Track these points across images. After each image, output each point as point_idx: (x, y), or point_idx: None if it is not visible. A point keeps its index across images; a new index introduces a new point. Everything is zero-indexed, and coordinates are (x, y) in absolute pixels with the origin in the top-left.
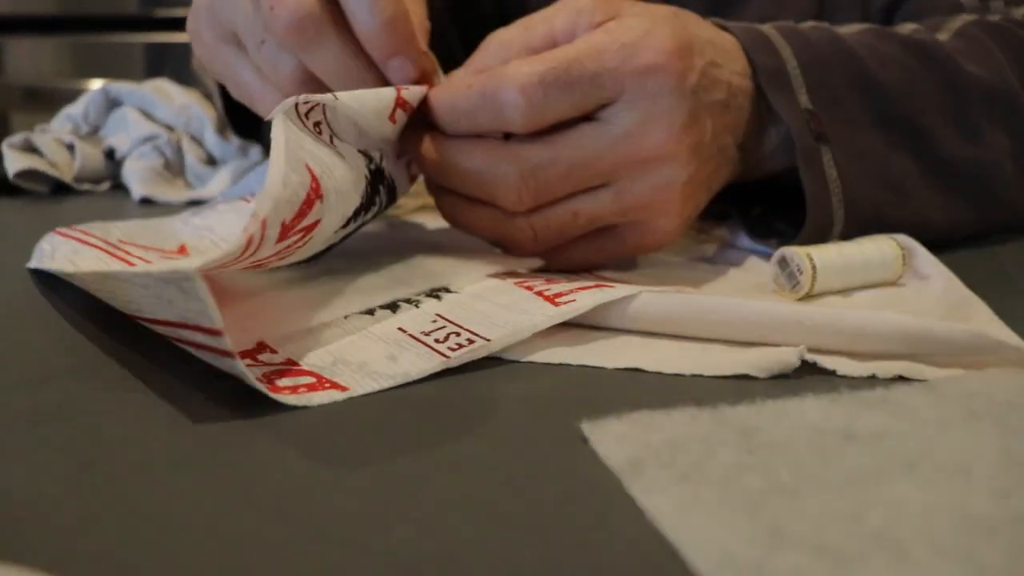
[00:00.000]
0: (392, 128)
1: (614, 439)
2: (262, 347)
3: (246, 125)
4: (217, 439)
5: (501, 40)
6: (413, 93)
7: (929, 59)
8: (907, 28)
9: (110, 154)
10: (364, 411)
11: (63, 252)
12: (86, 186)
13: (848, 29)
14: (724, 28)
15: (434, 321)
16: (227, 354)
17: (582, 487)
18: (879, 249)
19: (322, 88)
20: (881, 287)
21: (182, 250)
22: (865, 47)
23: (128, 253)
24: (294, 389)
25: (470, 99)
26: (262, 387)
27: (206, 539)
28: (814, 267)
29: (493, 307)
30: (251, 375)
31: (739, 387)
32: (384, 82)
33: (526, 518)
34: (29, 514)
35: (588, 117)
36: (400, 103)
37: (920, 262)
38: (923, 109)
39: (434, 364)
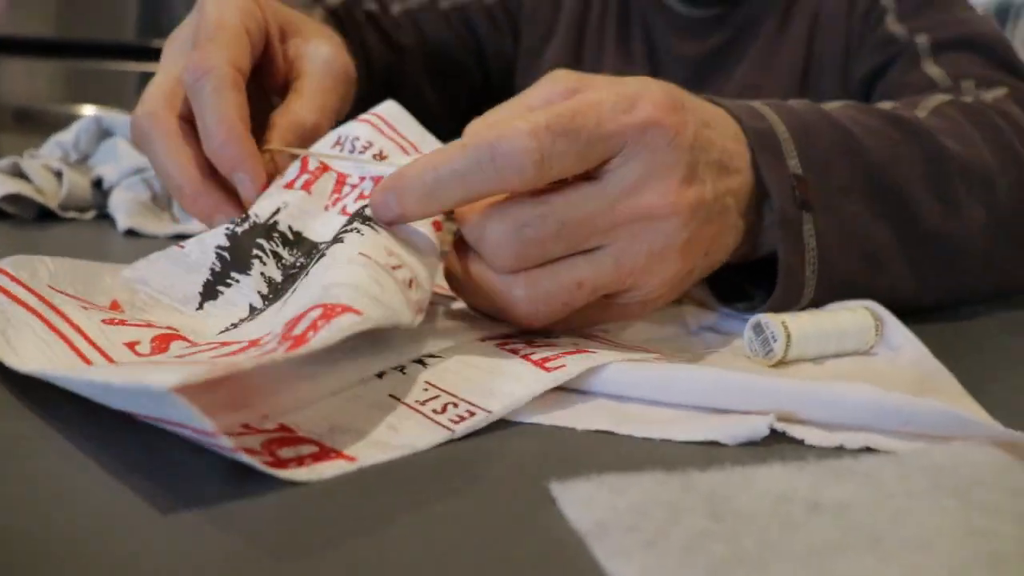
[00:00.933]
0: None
1: (581, 501)
2: (269, 422)
3: None
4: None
5: (487, 119)
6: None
7: (910, 132)
8: (887, 105)
9: (98, 183)
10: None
11: None
12: (71, 214)
13: (831, 105)
14: (709, 100)
15: (425, 390)
16: (227, 448)
17: (551, 547)
18: (853, 319)
19: None
20: (853, 356)
21: (114, 306)
22: (849, 119)
23: (64, 317)
24: (300, 461)
25: (464, 158)
26: (270, 470)
27: None
28: (788, 335)
29: (482, 374)
30: (257, 462)
31: (708, 453)
32: (205, 193)
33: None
34: None
35: (585, 176)
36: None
37: (891, 332)
38: (908, 179)
39: (439, 437)
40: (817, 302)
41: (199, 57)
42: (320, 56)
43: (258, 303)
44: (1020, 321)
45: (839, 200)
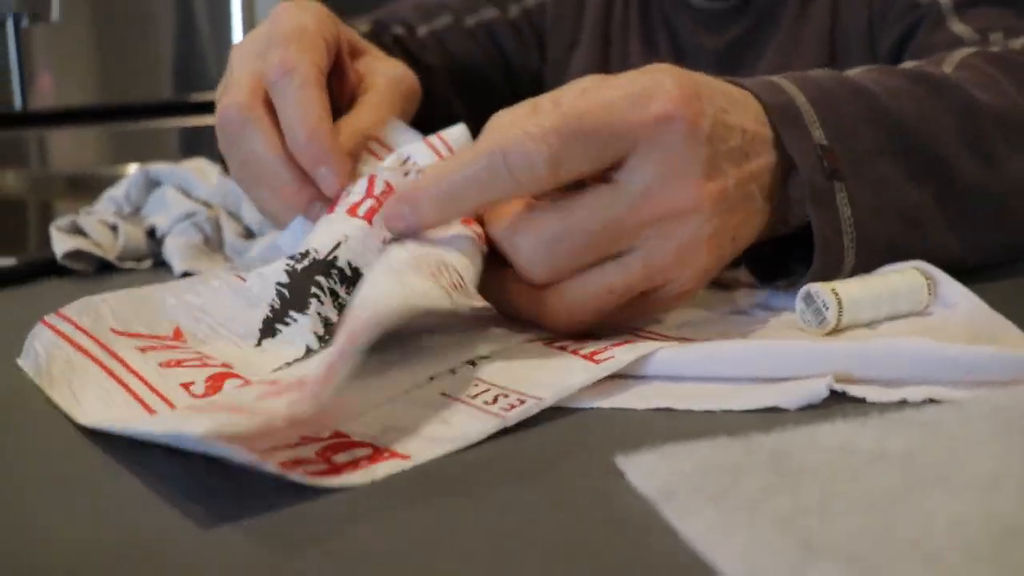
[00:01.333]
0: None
1: (647, 470)
2: (339, 436)
3: None
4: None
5: (505, 117)
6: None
7: (937, 87)
8: (911, 64)
9: (152, 232)
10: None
11: (58, 364)
12: (129, 264)
13: (853, 71)
14: (730, 82)
15: (475, 385)
16: (275, 472)
17: (623, 514)
18: (904, 279)
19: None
20: (907, 317)
21: (177, 334)
22: (872, 82)
23: (124, 364)
24: (355, 465)
25: (477, 164)
26: (323, 481)
27: None
28: (840, 302)
29: (531, 369)
30: (307, 476)
31: (769, 419)
32: (303, 184)
33: (573, 546)
34: None
35: (603, 179)
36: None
37: (945, 289)
38: (938, 135)
39: (492, 425)
40: (859, 269)
41: (282, 55)
42: (391, 73)
43: (314, 344)
44: None
45: (869, 164)
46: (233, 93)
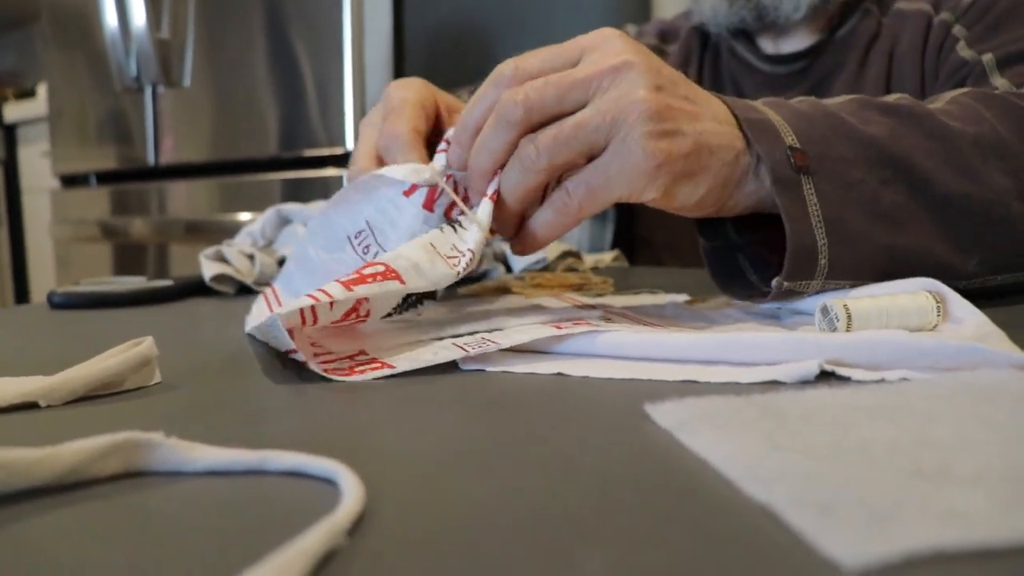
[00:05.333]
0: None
1: (668, 412)
2: (362, 352)
3: None
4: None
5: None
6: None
7: (909, 116)
8: (892, 97)
9: (282, 262)
10: (483, 394)
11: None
12: (263, 287)
13: (832, 100)
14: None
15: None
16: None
17: (646, 439)
18: (913, 300)
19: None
20: (916, 332)
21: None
22: (846, 111)
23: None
24: (362, 372)
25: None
26: (333, 376)
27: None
28: (848, 314)
29: (524, 335)
30: (321, 368)
31: (769, 387)
32: None
33: (601, 457)
34: None
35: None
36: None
37: (954, 307)
38: (910, 151)
39: (454, 355)
40: (840, 265)
41: (389, 126)
42: None
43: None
44: None
45: (841, 168)
46: (358, 160)
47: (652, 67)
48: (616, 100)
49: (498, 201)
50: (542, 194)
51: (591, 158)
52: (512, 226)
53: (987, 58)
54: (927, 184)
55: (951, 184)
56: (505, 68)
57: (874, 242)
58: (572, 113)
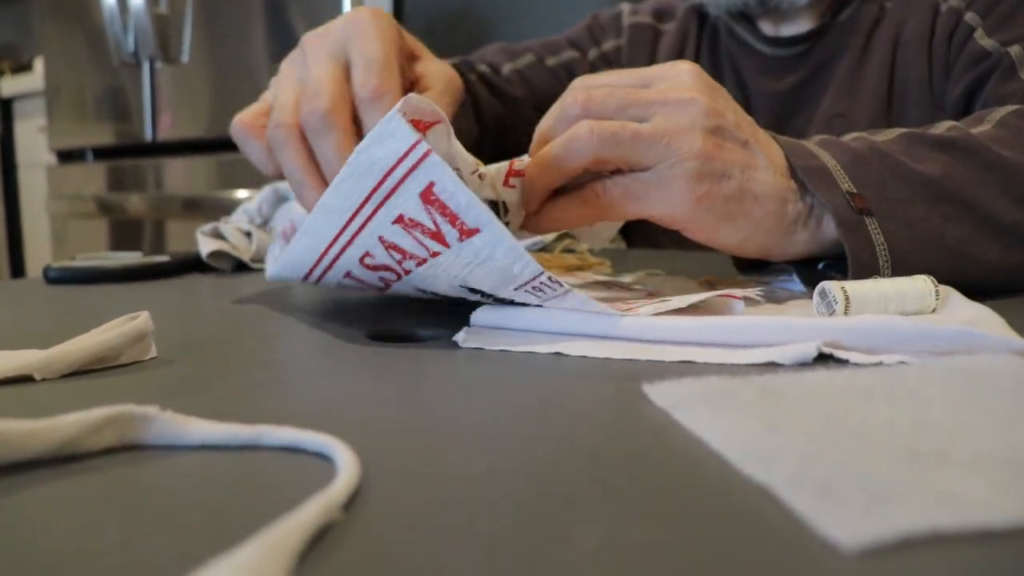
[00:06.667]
0: (509, 192)
1: (665, 392)
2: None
3: None
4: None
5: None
6: (523, 161)
7: (962, 150)
8: (942, 127)
9: None
10: (489, 374)
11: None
12: (259, 265)
13: (882, 135)
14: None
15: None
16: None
17: (643, 418)
18: (912, 284)
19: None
20: (915, 315)
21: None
22: (899, 151)
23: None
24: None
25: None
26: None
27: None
28: (847, 297)
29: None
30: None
31: (766, 369)
32: None
33: (599, 432)
34: None
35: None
36: (512, 172)
37: (955, 300)
38: (968, 186)
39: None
40: None
41: (376, 83)
42: (443, 76)
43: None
44: None
45: (901, 208)
46: (319, 99)
47: (716, 109)
48: (674, 129)
49: (533, 175)
50: (569, 183)
51: (631, 170)
52: (538, 201)
53: (1015, 50)
54: (992, 216)
55: (1007, 214)
56: (575, 82)
57: (946, 279)
58: None
